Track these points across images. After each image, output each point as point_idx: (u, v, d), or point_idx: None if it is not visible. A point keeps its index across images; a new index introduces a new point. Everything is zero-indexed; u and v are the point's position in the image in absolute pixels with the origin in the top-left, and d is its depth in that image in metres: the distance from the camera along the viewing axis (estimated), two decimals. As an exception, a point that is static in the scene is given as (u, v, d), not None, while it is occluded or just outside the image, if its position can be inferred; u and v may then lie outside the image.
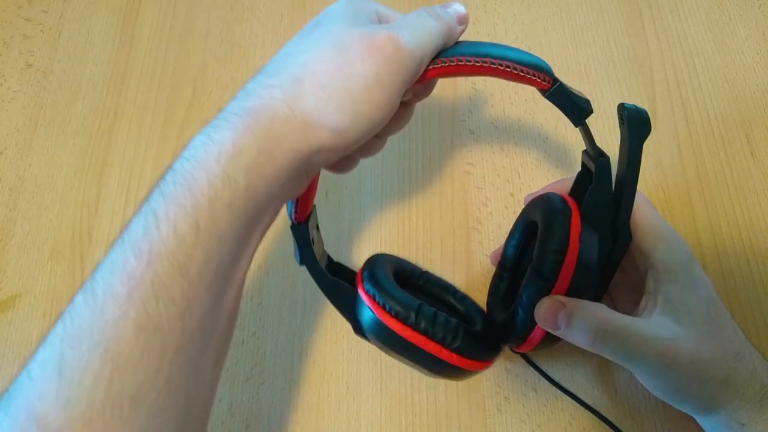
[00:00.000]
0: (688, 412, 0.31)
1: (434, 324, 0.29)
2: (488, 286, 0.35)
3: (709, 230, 0.40)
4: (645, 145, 0.41)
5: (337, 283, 0.31)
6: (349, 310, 0.31)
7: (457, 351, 0.29)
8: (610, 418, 0.34)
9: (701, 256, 0.39)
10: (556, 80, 0.28)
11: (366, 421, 0.36)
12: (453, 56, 0.28)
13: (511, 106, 0.45)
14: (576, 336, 0.27)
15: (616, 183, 0.30)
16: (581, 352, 0.36)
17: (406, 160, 0.43)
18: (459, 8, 0.29)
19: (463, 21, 0.29)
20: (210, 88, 0.48)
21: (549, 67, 0.28)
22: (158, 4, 0.52)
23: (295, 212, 0.30)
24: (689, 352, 0.27)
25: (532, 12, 0.49)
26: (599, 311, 0.28)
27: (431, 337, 0.29)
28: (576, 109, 0.29)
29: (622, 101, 0.31)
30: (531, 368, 0.36)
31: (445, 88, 0.46)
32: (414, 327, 0.29)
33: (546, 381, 0.36)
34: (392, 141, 0.44)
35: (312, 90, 0.24)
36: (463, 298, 0.35)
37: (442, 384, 0.36)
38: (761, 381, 0.28)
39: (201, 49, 0.49)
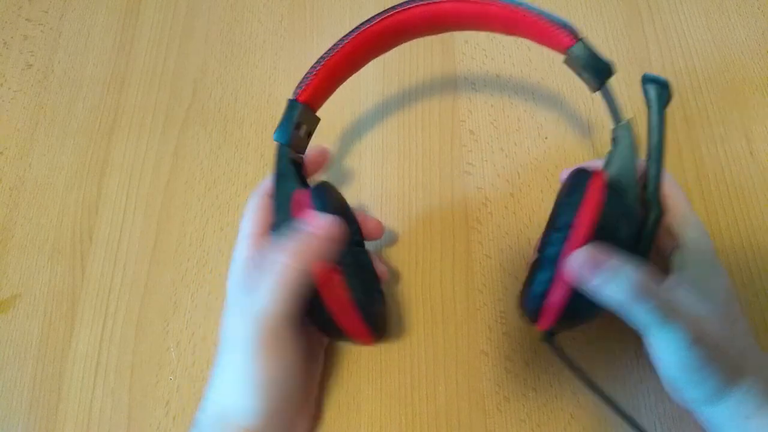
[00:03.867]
0: (698, 398, 0.29)
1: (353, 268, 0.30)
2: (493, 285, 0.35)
3: (708, 230, 0.39)
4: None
5: (290, 172, 0.32)
6: (281, 203, 0.32)
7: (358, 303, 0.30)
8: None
9: (701, 256, 0.39)
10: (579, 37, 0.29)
11: (366, 421, 0.36)
12: None
13: (511, 105, 0.45)
14: (615, 289, 0.26)
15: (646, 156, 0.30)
16: (579, 352, 0.36)
17: (406, 160, 0.43)
18: (317, 223, 0.30)
19: (331, 231, 0.29)
20: (210, 88, 0.48)
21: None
22: (158, 4, 0.52)
23: (300, 89, 0.32)
24: (715, 327, 0.27)
25: (532, 12, 0.49)
26: (640, 267, 0.27)
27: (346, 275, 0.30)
28: (600, 66, 0.29)
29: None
30: (530, 368, 0.36)
31: (445, 88, 0.46)
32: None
33: (546, 381, 0.36)
34: (392, 141, 0.44)
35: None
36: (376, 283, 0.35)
37: (442, 384, 0.36)
38: (766, 378, 0.28)
39: (201, 49, 0.50)
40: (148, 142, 0.46)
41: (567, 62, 0.31)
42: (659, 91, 0.29)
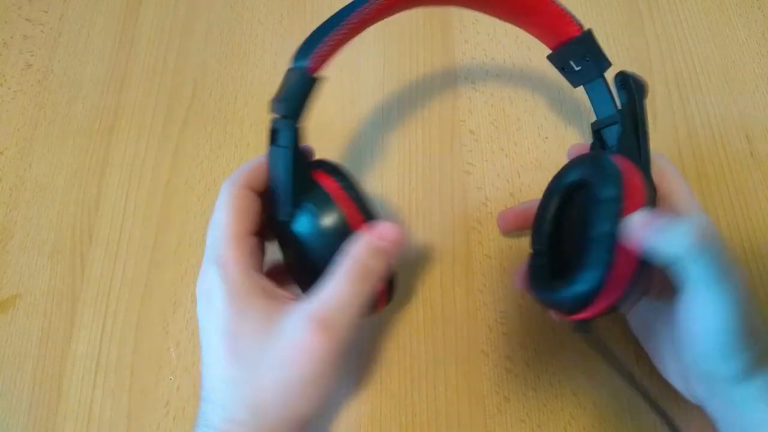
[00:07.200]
0: (728, 374, 0.27)
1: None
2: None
3: (709, 230, 0.40)
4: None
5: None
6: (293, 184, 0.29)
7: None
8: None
9: (701, 256, 0.39)
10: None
11: (366, 421, 0.36)
12: None
13: (511, 106, 0.45)
14: (677, 237, 0.25)
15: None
16: (581, 351, 0.36)
17: (406, 160, 0.43)
18: (383, 232, 0.28)
19: (392, 240, 0.28)
20: (210, 88, 0.48)
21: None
22: (158, 4, 0.52)
23: (312, 60, 0.30)
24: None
25: (532, 12, 0.49)
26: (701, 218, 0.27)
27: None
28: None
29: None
30: (531, 368, 0.36)
31: (445, 87, 0.46)
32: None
33: (546, 381, 0.36)
34: (392, 141, 0.44)
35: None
36: None
37: (442, 384, 0.36)
38: None
39: (201, 49, 0.50)
40: (148, 141, 0.46)
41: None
42: (636, 85, 0.31)
